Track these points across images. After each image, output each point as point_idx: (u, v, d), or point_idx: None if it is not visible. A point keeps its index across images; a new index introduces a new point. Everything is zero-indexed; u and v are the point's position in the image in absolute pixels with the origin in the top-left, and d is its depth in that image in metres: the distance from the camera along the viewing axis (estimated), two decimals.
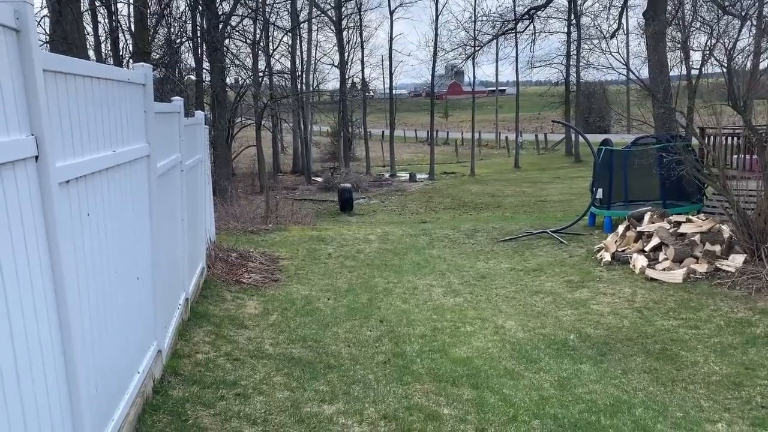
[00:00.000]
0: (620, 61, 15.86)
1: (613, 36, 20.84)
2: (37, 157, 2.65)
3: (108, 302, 3.70)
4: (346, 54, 38.20)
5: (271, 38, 31.91)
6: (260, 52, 30.01)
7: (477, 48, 31.12)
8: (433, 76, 36.62)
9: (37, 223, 2.67)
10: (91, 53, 16.92)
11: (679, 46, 13.65)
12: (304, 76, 35.40)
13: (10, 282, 2.39)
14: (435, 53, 34.94)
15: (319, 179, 31.46)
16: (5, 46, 2.41)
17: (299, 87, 33.77)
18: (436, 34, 34.76)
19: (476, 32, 32.18)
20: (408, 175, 33.56)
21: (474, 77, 41.15)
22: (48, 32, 11.27)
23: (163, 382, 4.98)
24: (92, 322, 3.38)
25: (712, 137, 11.83)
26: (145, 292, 4.71)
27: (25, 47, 2.54)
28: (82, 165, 3.24)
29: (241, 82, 24.66)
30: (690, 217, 9.81)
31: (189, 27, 22.19)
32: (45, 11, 12.42)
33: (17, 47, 2.51)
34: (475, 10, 34.58)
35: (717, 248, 8.63)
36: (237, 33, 23.63)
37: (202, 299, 7.48)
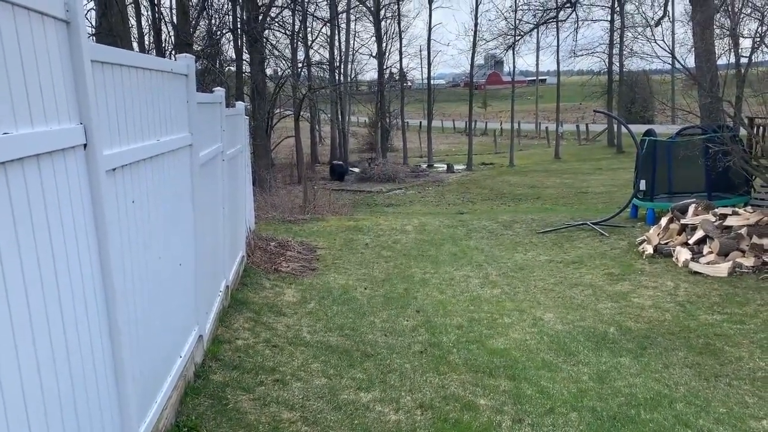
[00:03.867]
0: (665, 50, 15.47)
1: (658, 23, 20.16)
2: (85, 146, 2.74)
3: (151, 287, 3.80)
4: (384, 44, 38.02)
5: (310, 29, 32.12)
6: (299, 43, 30.23)
7: (517, 37, 30.72)
8: (472, 66, 36.15)
9: (86, 209, 2.75)
10: (135, 45, 17.30)
11: (728, 33, 13.20)
12: (342, 66, 35.48)
13: (61, 265, 2.47)
14: (474, 43, 34.47)
15: (356, 170, 31.49)
16: (56, 37, 2.49)
17: (337, 78, 33.85)
18: (476, 24, 34.21)
19: (517, 21, 31.75)
20: (445, 165, 33.31)
21: (514, 67, 40.54)
22: (94, 25, 11.56)
23: (204, 367, 5.10)
24: (136, 305, 3.47)
25: (761, 127, 11.47)
26: (187, 278, 4.82)
27: (75, 38, 2.62)
28: (127, 153, 3.33)
29: (280, 73, 24.87)
30: (737, 209, 9.53)
31: (229, 19, 22.47)
32: (91, 4, 12.73)
33: (67, 38, 2.59)
34: None
35: (765, 241, 8.37)
36: (276, 24, 23.83)
37: (242, 287, 7.62)
